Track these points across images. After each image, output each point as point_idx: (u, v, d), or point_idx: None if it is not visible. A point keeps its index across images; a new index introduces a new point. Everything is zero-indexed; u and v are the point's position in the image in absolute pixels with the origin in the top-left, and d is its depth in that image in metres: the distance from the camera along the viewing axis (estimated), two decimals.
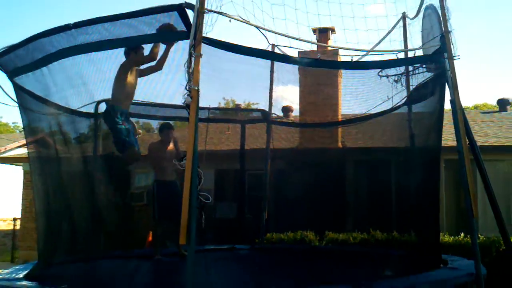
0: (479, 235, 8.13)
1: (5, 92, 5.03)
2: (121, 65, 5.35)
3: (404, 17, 7.04)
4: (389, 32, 6.82)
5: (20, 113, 5.43)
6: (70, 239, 5.87)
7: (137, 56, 5.29)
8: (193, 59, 4.17)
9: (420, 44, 6.18)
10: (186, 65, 4.18)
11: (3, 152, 19.09)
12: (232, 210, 11.32)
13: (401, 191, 8.72)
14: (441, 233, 8.60)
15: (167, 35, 4.51)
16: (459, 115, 5.03)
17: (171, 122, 7.51)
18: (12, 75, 5.12)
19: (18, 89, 5.24)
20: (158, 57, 5.29)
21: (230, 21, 4.47)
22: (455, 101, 5.04)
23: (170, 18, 4.26)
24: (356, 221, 10.92)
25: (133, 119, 7.10)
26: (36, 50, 4.66)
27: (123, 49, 5.03)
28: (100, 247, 6.76)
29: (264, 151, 8.76)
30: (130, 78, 5.34)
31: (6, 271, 5.76)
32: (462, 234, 8.58)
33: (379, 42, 6.66)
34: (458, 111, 5.03)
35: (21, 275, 5.17)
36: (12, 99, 5.16)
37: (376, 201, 11.34)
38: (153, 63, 5.41)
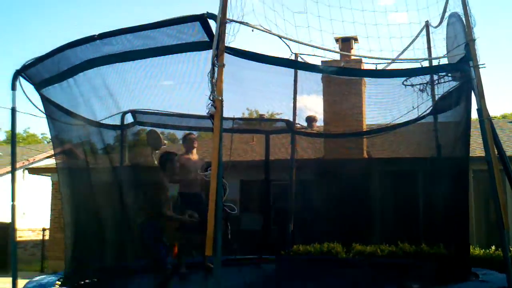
0: (511, 248, 7.89)
1: (33, 103, 5.13)
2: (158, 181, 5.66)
3: (427, 25, 6.95)
4: (413, 40, 6.74)
5: (48, 124, 5.52)
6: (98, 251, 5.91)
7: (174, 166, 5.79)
8: (216, 69, 4.18)
9: (444, 53, 6.09)
10: (209, 75, 4.20)
11: (32, 163, 19.51)
12: (258, 221, 11.27)
13: (428, 202, 8.54)
14: (471, 246, 8.39)
15: (191, 46, 4.53)
16: (486, 124, 4.92)
17: (195, 132, 7.52)
18: (39, 86, 5.22)
19: (45, 100, 5.33)
20: None
21: (252, 30, 4.48)
22: (482, 110, 4.93)
23: (193, 28, 4.28)
24: (384, 233, 10.73)
25: (158, 130, 7.18)
26: (62, 61, 4.75)
27: (146, 59, 5.07)
28: (127, 258, 6.78)
29: (289, 162, 8.71)
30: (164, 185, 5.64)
31: (35, 278, 5.84)
32: (493, 247, 8.34)
33: (404, 51, 6.59)
34: (485, 120, 4.92)
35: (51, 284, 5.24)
36: (40, 110, 5.25)
37: (404, 213, 11.14)
38: None
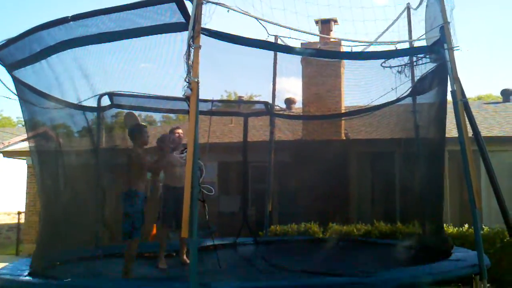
0: (483, 227, 8.09)
1: (6, 86, 5.01)
2: (130, 154, 5.63)
3: (408, 7, 6.98)
4: (393, 22, 6.77)
5: (21, 106, 5.41)
6: (69, 233, 5.86)
7: (144, 138, 5.64)
8: (192, 50, 4.13)
9: (423, 35, 6.13)
10: (185, 57, 4.15)
11: (6, 146, 19.12)
12: (236, 203, 11.31)
13: (405, 183, 8.68)
14: (445, 225, 8.58)
15: (165, 27, 4.47)
16: (460, 106, 4.99)
17: (173, 115, 7.45)
18: (11, 68, 5.10)
19: (18, 82, 5.21)
20: None
21: (228, 11, 4.43)
22: (455, 92, 4.99)
23: (169, 10, 4.21)
24: (360, 213, 10.90)
25: (135, 112, 7.10)
26: (35, 42, 4.64)
27: (124, 41, 4.97)
28: (100, 240, 6.75)
29: (267, 143, 8.74)
30: (142, 163, 5.53)
31: (11, 264, 5.78)
32: (466, 226, 8.55)
33: (383, 33, 6.62)
34: (459, 102, 4.99)
35: (25, 269, 5.18)
36: (13, 92, 5.13)
37: (380, 193, 11.32)
38: None
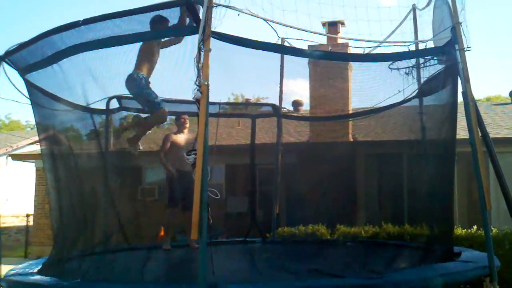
0: (492, 228, 8.06)
1: (17, 89, 5.06)
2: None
3: (414, 8, 6.97)
4: (400, 24, 6.76)
5: (32, 109, 5.47)
6: (83, 234, 5.91)
7: (163, 27, 5.32)
8: (202, 53, 4.16)
9: (431, 36, 6.12)
10: (195, 60, 4.18)
11: (16, 149, 19.28)
12: (244, 205, 11.32)
13: (413, 184, 8.66)
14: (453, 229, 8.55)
15: (177, 30, 4.50)
16: (471, 107, 4.97)
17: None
18: (23, 72, 5.15)
19: (30, 85, 5.27)
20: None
21: (238, 14, 4.45)
22: (467, 93, 4.98)
23: (179, 13, 4.24)
24: (368, 215, 10.88)
25: (143, 115, 7.15)
26: (47, 46, 4.68)
27: (133, 45, 5.02)
28: (111, 241, 6.80)
29: (275, 145, 8.75)
30: (154, 48, 5.43)
31: (20, 266, 5.82)
32: (475, 227, 8.52)
33: (390, 35, 6.62)
34: (470, 103, 4.96)
35: (34, 270, 5.22)
36: (24, 95, 5.18)
37: (388, 195, 11.30)
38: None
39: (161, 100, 5.50)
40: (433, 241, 6.36)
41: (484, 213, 4.84)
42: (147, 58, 5.41)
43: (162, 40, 5.54)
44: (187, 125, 7.12)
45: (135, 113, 6.75)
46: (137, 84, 5.37)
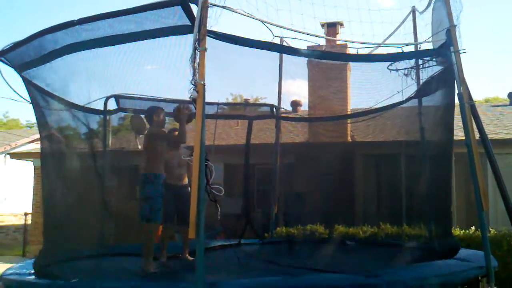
0: (490, 229, 8.06)
1: (12, 88, 5.04)
2: (148, 134, 5.76)
3: (413, 10, 6.98)
4: (399, 26, 6.77)
5: (32, 107, 5.46)
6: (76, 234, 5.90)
7: (160, 118, 5.67)
8: (198, 53, 4.14)
9: (429, 38, 6.12)
10: (191, 60, 4.16)
11: (14, 148, 19.27)
12: (242, 205, 11.30)
13: (411, 185, 8.65)
14: (451, 227, 8.55)
15: (171, 30, 4.48)
16: (466, 108, 4.98)
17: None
18: (20, 69, 5.14)
19: (27, 83, 5.26)
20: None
21: (233, 14, 4.44)
22: (462, 94, 4.98)
23: (174, 12, 4.23)
24: (366, 215, 10.88)
25: (141, 115, 7.14)
26: (42, 45, 4.67)
27: (129, 44, 4.98)
28: (107, 241, 6.78)
29: (273, 146, 8.74)
30: (161, 143, 5.59)
31: (17, 265, 5.81)
32: (473, 228, 8.52)
33: (389, 36, 6.62)
34: (466, 104, 4.98)
35: (31, 270, 5.21)
36: (19, 94, 5.17)
37: (386, 195, 11.28)
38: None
39: (156, 216, 5.43)
40: (431, 241, 6.36)
41: (481, 214, 4.84)
42: (159, 153, 5.54)
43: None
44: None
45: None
46: (153, 187, 5.41)
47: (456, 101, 5.26)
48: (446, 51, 5.13)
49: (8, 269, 5.49)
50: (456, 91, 5.05)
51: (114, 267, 5.57)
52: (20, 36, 4.82)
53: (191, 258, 6.23)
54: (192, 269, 4.08)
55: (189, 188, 5.92)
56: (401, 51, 5.68)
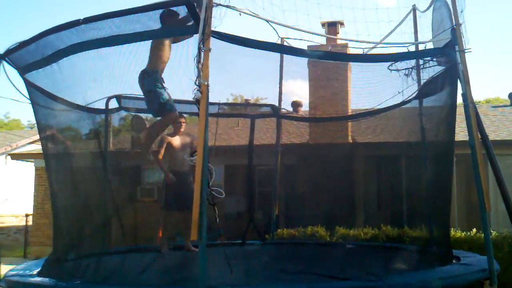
0: (491, 231, 8.05)
1: (17, 89, 5.05)
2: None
3: (414, 9, 6.97)
4: (399, 24, 6.76)
5: (33, 108, 5.45)
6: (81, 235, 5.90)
7: (173, 20, 5.28)
8: (202, 53, 4.15)
9: (430, 37, 6.11)
10: (195, 60, 4.17)
11: (14, 149, 19.27)
12: (243, 206, 11.30)
13: (412, 186, 8.65)
14: (452, 229, 8.55)
15: (176, 30, 4.49)
16: (470, 109, 4.95)
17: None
18: (23, 71, 5.14)
19: (29, 85, 5.25)
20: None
21: (240, 14, 4.45)
22: (466, 94, 4.97)
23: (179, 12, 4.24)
24: (367, 217, 10.88)
25: (143, 115, 7.15)
26: (46, 46, 4.67)
27: (133, 44, 4.99)
28: (110, 242, 6.79)
29: (274, 146, 8.74)
30: (165, 44, 5.42)
31: (19, 266, 5.81)
32: (474, 230, 8.51)
33: (389, 35, 6.61)
34: (470, 105, 4.95)
35: (34, 271, 5.21)
36: (23, 95, 5.17)
37: (387, 197, 11.28)
38: None
39: (173, 103, 5.44)
40: (430, 244, 6.36)
41: (484, 215, 4.82)
42: (159, 54, 5.38)
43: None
44: (183, 129, 7.01)
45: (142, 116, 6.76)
46: (151, 80, 5.34)
47: (458, 101, 5.26)
48: (450, 50, 5.10)
49: (11, 270, 5.49)
50: (461, 91, 5.03)
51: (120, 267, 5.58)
52: (19, 36, 4.81)
53: (193, 248, 6.29)
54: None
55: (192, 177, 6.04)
56: (406, 51, 5.66)
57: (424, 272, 4.95)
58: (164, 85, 5.48)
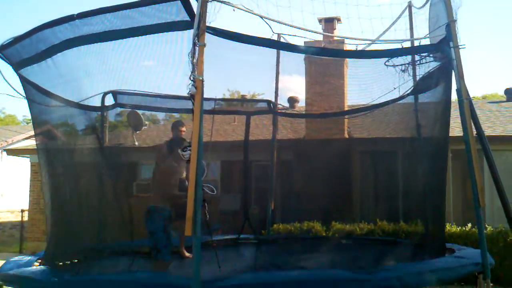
0: (486, 226, 8.09)
1: (10, 85, 5.02)
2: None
3: (409, 6, 6.98)
4: (395, 21, 6.76)
5: (28, 104, 5.42)
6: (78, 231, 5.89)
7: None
8: (197, 48, 4.14)
9: (426, 34, 6.12)
10: (190, 55, 4.15)
11: (10, 144, 19.22)
12: (239, 202, 11.32)
13: (407, 181, 8.69)
14: (448, 224, 8.60)
15: (172, 25, 4.46)
16: (465, 104, 4.96)
17: (176, 114, 7.45)
18: (17, 67, 5.11)
19: (24, 81, 5.23)
20: None
21: (233, 10, 4.43)
22: (461, 90, 4.98)
23: (174, 7, 4.21)
24: (363, 212, 10.91)
25: (139, 111, 7.12)
26: (40, 41, 4.65)
27: (127, 40, 4.96)
28: (106, 238, 6.77)
29: (270, 142, 8.74)
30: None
31: (14, 258, 5.80)
32: (469, 225, 8.56)
33: (385, 32, 6.61)
34: (464, 100, 4.96)
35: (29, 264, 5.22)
36: (17, 91, 5.14)
37: (383, 192, 11.31)
38: None
39: (169, 252, 5.33)
40: (425, 238, 6.39)
41: (477, 210, 4.84)
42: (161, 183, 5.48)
43: None
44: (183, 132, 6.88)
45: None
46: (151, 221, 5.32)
47: (453, 97, 5.27)
48: (445, 46, 5.11)
49: (5, 263, 5.48)
50: (455, 87, 5.04)
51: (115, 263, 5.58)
52: (11, 32, 4.79)
53: (187, 254, 6.25)
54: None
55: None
56: (401, 47, 5.67)
57: (417, 265, 4.96)
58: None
